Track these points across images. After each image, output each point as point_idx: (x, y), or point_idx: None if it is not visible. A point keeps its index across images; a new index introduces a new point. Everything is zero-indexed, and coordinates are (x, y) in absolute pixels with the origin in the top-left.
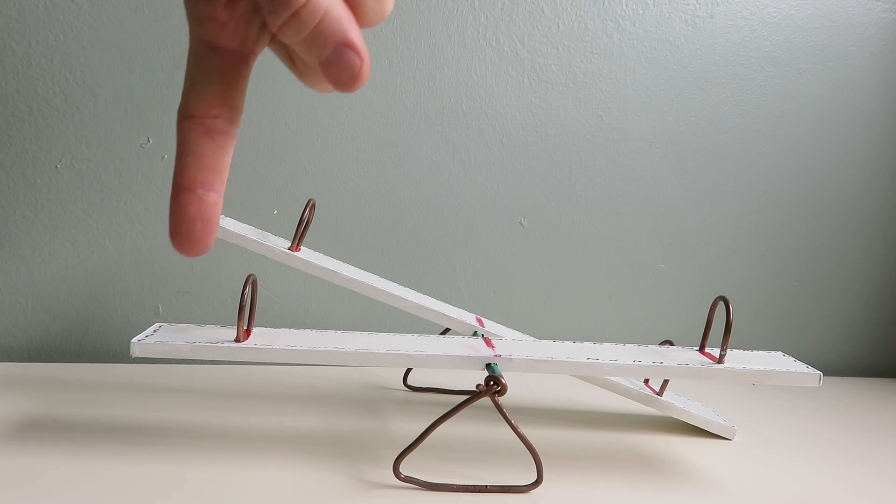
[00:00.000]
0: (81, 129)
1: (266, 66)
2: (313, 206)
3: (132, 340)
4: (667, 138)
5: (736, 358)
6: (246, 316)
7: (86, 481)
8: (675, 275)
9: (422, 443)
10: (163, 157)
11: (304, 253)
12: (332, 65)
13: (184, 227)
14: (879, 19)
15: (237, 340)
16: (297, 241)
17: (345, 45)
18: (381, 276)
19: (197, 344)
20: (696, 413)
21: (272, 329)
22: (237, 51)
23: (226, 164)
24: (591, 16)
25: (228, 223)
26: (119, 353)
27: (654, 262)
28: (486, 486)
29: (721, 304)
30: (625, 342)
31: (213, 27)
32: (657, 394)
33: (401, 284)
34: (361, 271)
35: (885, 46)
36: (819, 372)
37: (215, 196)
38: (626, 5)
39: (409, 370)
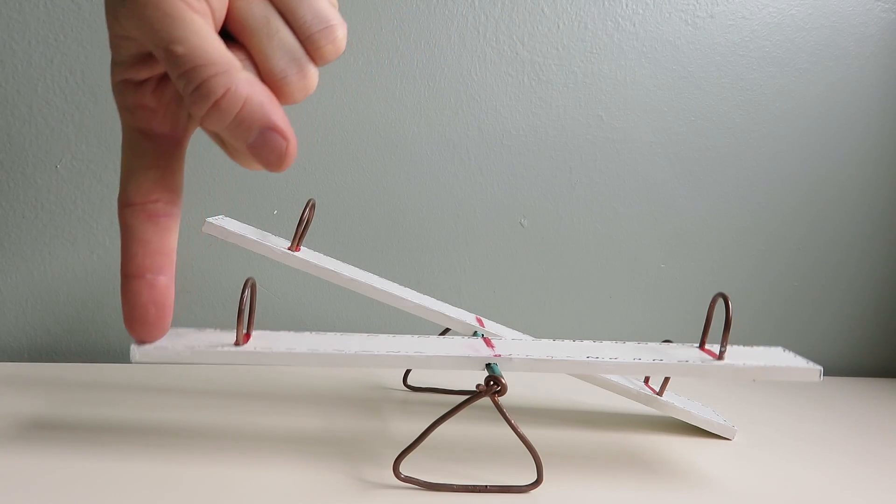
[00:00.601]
0: (81, 129)
1: None
2: (313, 206)
3: (132, 346)
4: (667, 138)
5: (736, 354)
6: (245, 319)
7: (86, 481)
8: (675, 275)
9: (422, 443)
10: None
11: (304, 253)
12: (258, 148)
13: (137, 314)
14: (879, 19)
15: (237, 344)
16: (297, 241)
17: (269, 129)
18: (381, 276)
19: (197, 349)
20: (696, 413)
21: (272, 332)
22: (169, 135)
23: (172, 246)
24: (591, 16)
25: (228, 223)
26: (119, 353)
27: (654, 262)
28: (486, 486)
29: (720, 301)
30: (625, 341)
31: (143, 114)
32: (657, 394)
33: (401, 284)
34: (361, 271)
35: (885, 46)
36: (819, 367)
37: (165, 279)
38: (626, 5)
39: (409, 370)
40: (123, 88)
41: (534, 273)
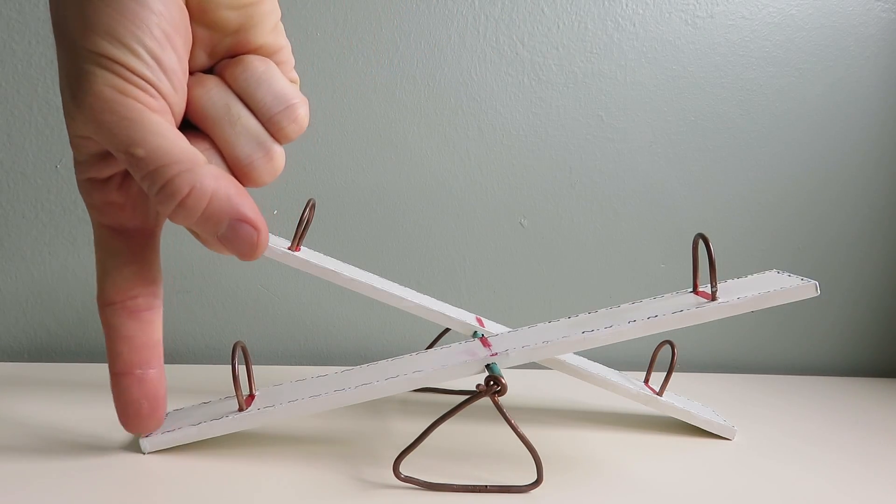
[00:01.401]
0: None
1: None
2: (313, 206)
3: (140, 439)
4: (667, 138)
5: (729, 290)
6: (245, 382)
7: (86, 481)
8: (675, 275)
9: (422, 443)
10: None
11: (304, 253)
12: (229, 240)
13: (130, 410)
14: (879, 19)
15: (241, 410)
16: (297, 241)
17: (238, 221)
18: (381, 275)
19: (203, 424)
20: (696, 413)
21: (273, 387)
22: (140, 228)
23: (157, 337)
24: (591, 16)
25: None
26: None
27: (654, 262)
28: (486, 486)
29: (701, 243)
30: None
31: (112, 211)
32: (657, 394)
33: (401, 284)
34: (361, 271)
35: (885, 46)
36: (815, 281)
37: (155, 372)
38: (626, 5)
39: None
40: (89, 187)
41: (534, 273)
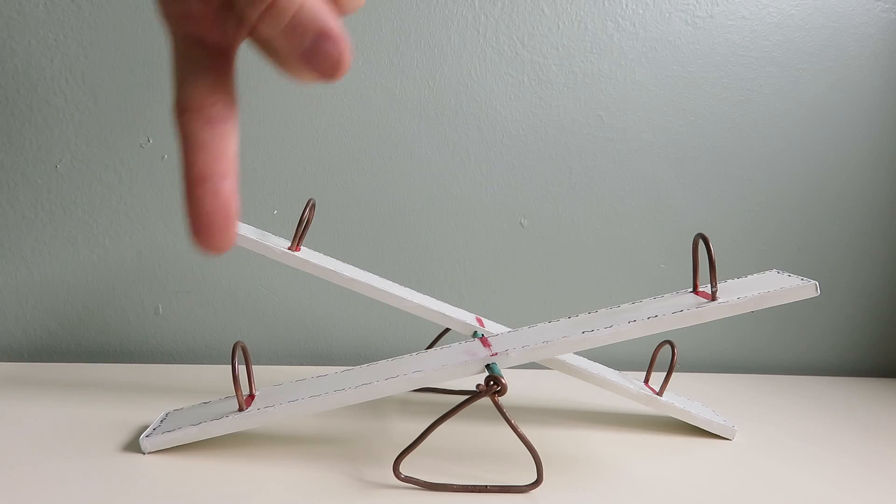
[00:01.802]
0: (81, 129)
1: (265, 65)
2: (313, 206)
3: (140, 438)
4: (667, 138)
5: (729, 290)
6: (245, 382)
7: (86, 481)
8: (675, 275)
9: (422, 443)
10: (163, 156)
11: (304, 253)
12: (312, 56)
13: (203, 222)
14: (879, 19)
15: (241, 409)
16: (297, 241)
17: (324, 35)
18: (380, 275)
19: (203, 424)
20: (696, 413)
21: (272, 387)
22: (217, 43)
23: (233, 150)
24: (591, 16)
25: None
26: (119, 353)
27: (654, 262)
28: (486, 486)
29: (701, 243)
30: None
31: (191, 22)
32: (657, 394)
33: (401, 284)
34: (361, 271)
35: (885, 46)
36: (815, 281)
37: (230, 183)
38: (626, 5)
39: None
40: None
41: (534, 273)
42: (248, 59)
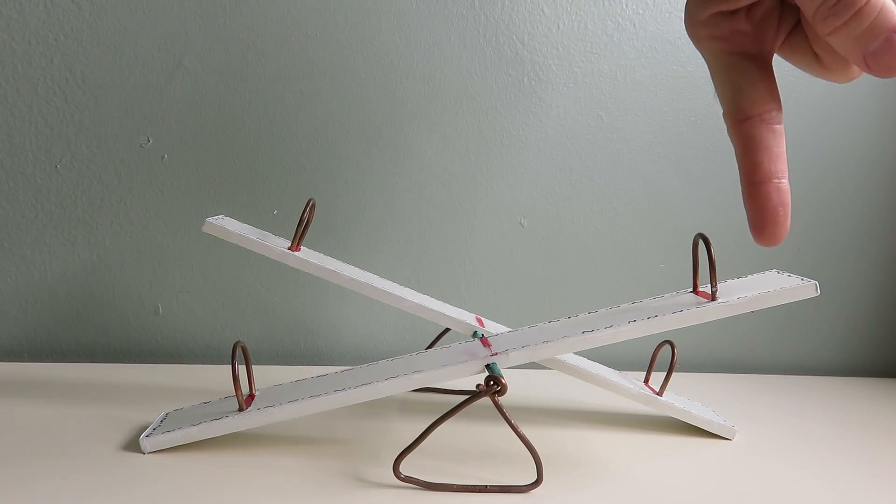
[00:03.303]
0: (81, 129)
1: (265, 65)
2: (313, 206)
3: (140, 438)
4: (667, 138)
5: (729, 290)
6: (245, 383)
7: (86, 482)
8: (675, 275)
9: (422, 443)
10: (163, 157)
11: (304, 253)
12: (879, 54)
13: (768, 217)
14: None
15: (240, 409)
16: (297, 241)
17: (894, 33)
18: (380, 275)
19: (203, 424)
20: (696, 413)
21: (272, 387)
22: (757, 54)
23: (784, 151)
24: (591, 16)
25: (228, 223)
26: (119, 353)
27: (654, 262)
28: (486, 486)
29: (701, 243)
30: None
31: (738, 38)
32: (657, 394)
33: (400, 284)
34: (361, 271)
35: None
36: (815, 281)
37: (786, 182)
38: (626, 5)
39: None
40: (718, 20)
41: (534, 273)
42: (248, 62)
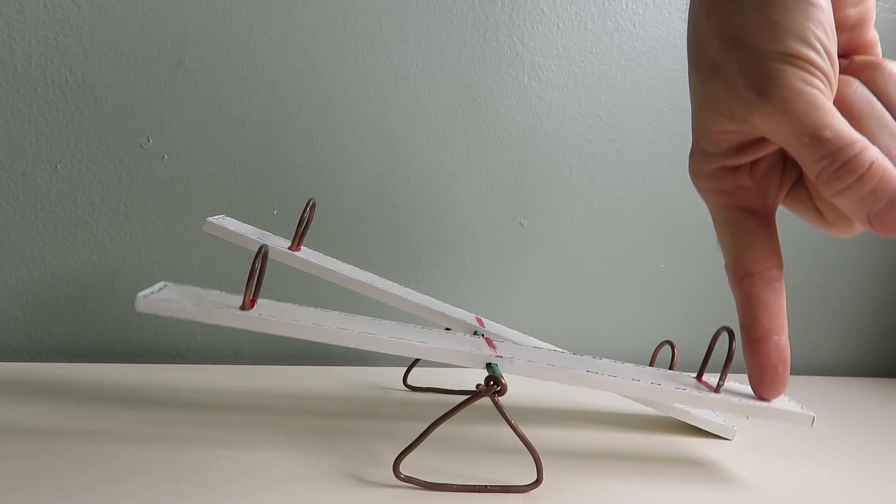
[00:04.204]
0: (81, 129)
1: (266, 66)
2: (313, 206)
3: (138, 294)
4: (667, 138)
5: (733, 389)
6: (254, 285)
7: (86, 481)
8: (675, 275)
9: (422, 443)
10: (163, 156)
11: (304, 253)
12: (882, 215)
13: (768, 374)
14: (880, 19)
15: (243, 308)
16: (297, 240)
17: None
18: (380, 275)
19: (202, 307)
20: (696, 413)
21: (277, 302)
22: (760, 209)
23: (784, 307)
24: (591, 16)
25: (228, 223)
26: (119, 353)
27: (654, 262)
28: (486, 486)
29: (724, 334)
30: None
31: (741, 194)
32: None
33: (401, 284)
34: (361, 271)
35: (885, 46)
36: (812, 414)
37: (785, 339)
38: (626, 5)
39: (409, 369)
40: (721, 174)
41: (534, 273)
42: (248, 62)
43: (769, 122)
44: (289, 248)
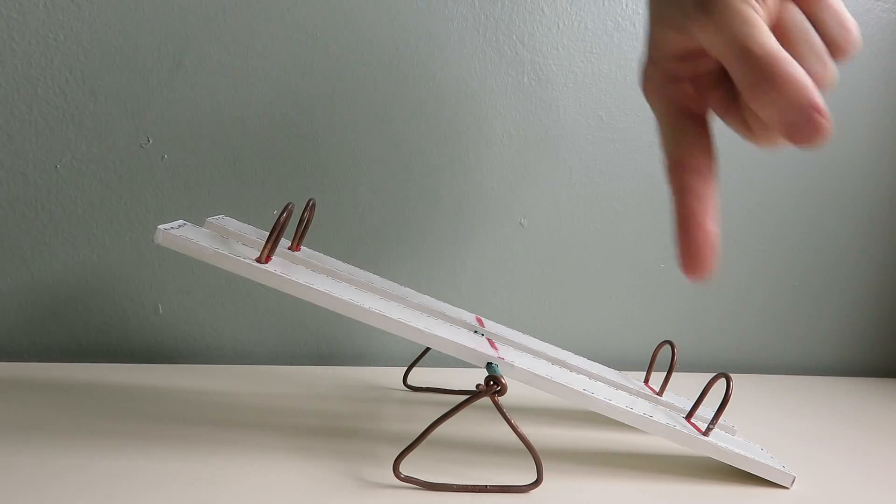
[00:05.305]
0: (81, 129)
1: (265, 65)
2: (313, 206)
3: (158, 227)
4: None
5: (720, 436)
6: (275, 238)
7: (86, 480)
8: (675, 275)
9: (422, 443)
10: (163, 156)
11: (304, 253)
12: (799, 127)
13: (694, 254)
14: (879, 19)
15: (258, 261)
16: (297, 240)
17: (815, 109)
18: (380, 275)
19: (219, 251)
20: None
21: (293, 264)
22: (699, 116)
23: (715, 197)
24: (591, 16)
25: (228, 223)
26: (119, 353)
27: (654, 262)
28: (486, 486)
29: (722, 381)
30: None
31: (683, 99)
32: (657, 394)
33: (401, 284)
34: (361, 271)
35: (885, 46)
36: (793, 475)
37: (713, 224)
38: (626, 5)
39: (409, 369)
40: (667, 82)
41: (534, 273)
42: (248, 62)
43: (707, 35)
44: (289, 248)
